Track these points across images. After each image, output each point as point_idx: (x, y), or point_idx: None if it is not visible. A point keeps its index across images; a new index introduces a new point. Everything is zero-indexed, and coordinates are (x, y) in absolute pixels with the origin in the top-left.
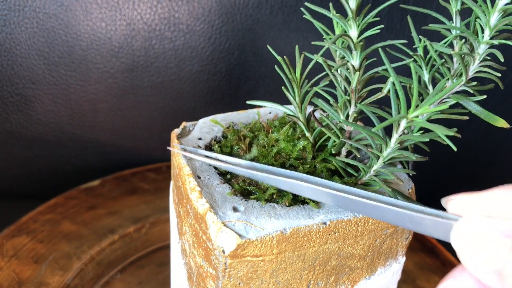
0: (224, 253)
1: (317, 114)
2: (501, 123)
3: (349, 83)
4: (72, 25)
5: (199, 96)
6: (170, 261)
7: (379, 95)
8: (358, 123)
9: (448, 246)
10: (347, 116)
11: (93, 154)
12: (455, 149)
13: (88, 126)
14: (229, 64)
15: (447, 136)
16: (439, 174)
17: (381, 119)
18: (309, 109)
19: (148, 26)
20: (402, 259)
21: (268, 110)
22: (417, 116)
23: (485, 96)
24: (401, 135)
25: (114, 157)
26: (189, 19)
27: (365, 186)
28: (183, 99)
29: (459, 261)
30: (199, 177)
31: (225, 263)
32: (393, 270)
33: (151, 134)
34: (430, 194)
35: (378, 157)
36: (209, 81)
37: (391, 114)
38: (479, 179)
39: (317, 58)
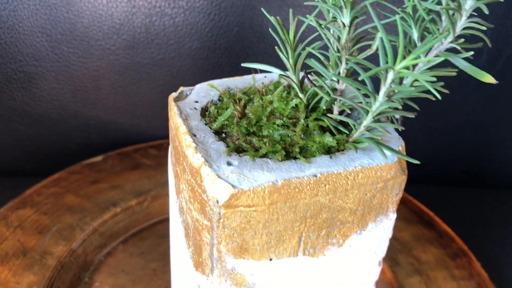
0: (218, 203)
1: (311, 77)
2: (488, 78)
3: (340, 41)
4: (74, 2)
5: (199, 73)
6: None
7: (369, 52)
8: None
9: (445, 217)
10: (338, 74)
11: (96, 132)
12: (439, 97)
13: (91, 103)
14: (229, 41)
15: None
16: (435, 154)
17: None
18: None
19: (148, 3)
20: (393, 216)
21: (263, 75)
22: (405, 68)
23: (472, 53)
24: (388, 88)
25: (116, 134)
26: None
27: (355, 143)
28: (183, 76)
29: (456, 233)
30: (195, 135)
31: (219, 213)
32: (384, 226)
33: (152, 112)
34: (428, 176)
35: (367, 112)
36: (208, 58)
37: None
38: (477, 158)
39: (310, 18)
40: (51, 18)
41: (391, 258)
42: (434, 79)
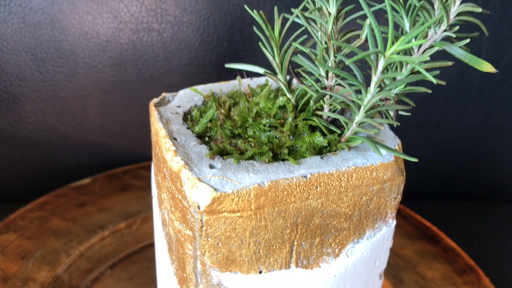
0: (199, 209)
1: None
2: (486, 67)
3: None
4: (59, 19)
5: None
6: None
7: (358, 43)
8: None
9: (449, 232)
10: (327, 72)
11: (84, 154)
12: (435, 82)
13: (78, 124)
14: (219, 56)
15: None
16: (436, 168)
17: (363, 71)
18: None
19: (135, 18)
20: (392, 223)
21: (250, 79)
22: (395, 53)
23: (468, 40)
24: (380, 77)
25: (105, 156)
26: (176, 10)
27: (348, 143)
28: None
29: (461, 247)
30: (175, 139)
31: (201, 220)
32: (384, 234)
33: (141, 131)
34: (429, 191)
35: (359, 107)
36: (199, 73)
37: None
38: (478, 169)
39: (296, 12)
40: (35, 37)
41: (394, 276)
42: (428, 58)
